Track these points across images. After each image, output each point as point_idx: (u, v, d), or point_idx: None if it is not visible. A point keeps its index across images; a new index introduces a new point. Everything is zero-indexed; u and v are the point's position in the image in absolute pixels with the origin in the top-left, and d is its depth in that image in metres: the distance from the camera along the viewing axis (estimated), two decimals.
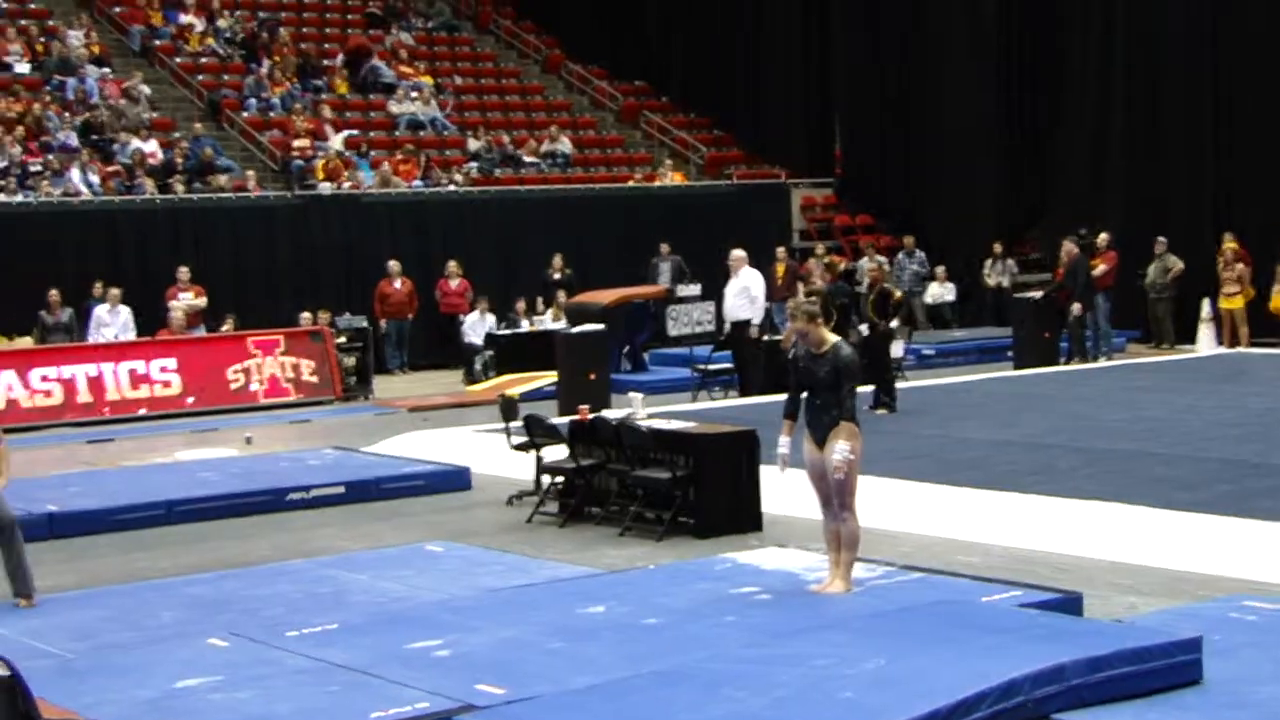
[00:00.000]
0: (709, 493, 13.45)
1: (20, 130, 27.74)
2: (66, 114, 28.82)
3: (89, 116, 28.83)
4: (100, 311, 24.32)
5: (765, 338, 22.72)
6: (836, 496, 10.56)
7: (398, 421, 21.27)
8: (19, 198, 26.09)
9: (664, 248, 27.33)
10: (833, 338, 10.63)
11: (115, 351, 23.27)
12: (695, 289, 25.22)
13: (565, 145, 32.62)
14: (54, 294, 24.20)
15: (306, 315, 25.23)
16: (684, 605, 10.43)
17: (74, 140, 28.03)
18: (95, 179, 27.04)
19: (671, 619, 10.11)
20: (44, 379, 22.43)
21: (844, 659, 8.63)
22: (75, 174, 26.92)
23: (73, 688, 8.87)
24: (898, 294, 20.79)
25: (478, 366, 25.59)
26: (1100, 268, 25.82)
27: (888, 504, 13.72)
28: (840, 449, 10.37)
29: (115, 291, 24.42)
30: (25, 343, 23.78)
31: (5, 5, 31.96)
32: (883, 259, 26.67)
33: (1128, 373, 23.37)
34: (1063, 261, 25.08)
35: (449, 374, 26.40)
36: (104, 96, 29.76)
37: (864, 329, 19.34)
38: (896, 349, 20.34)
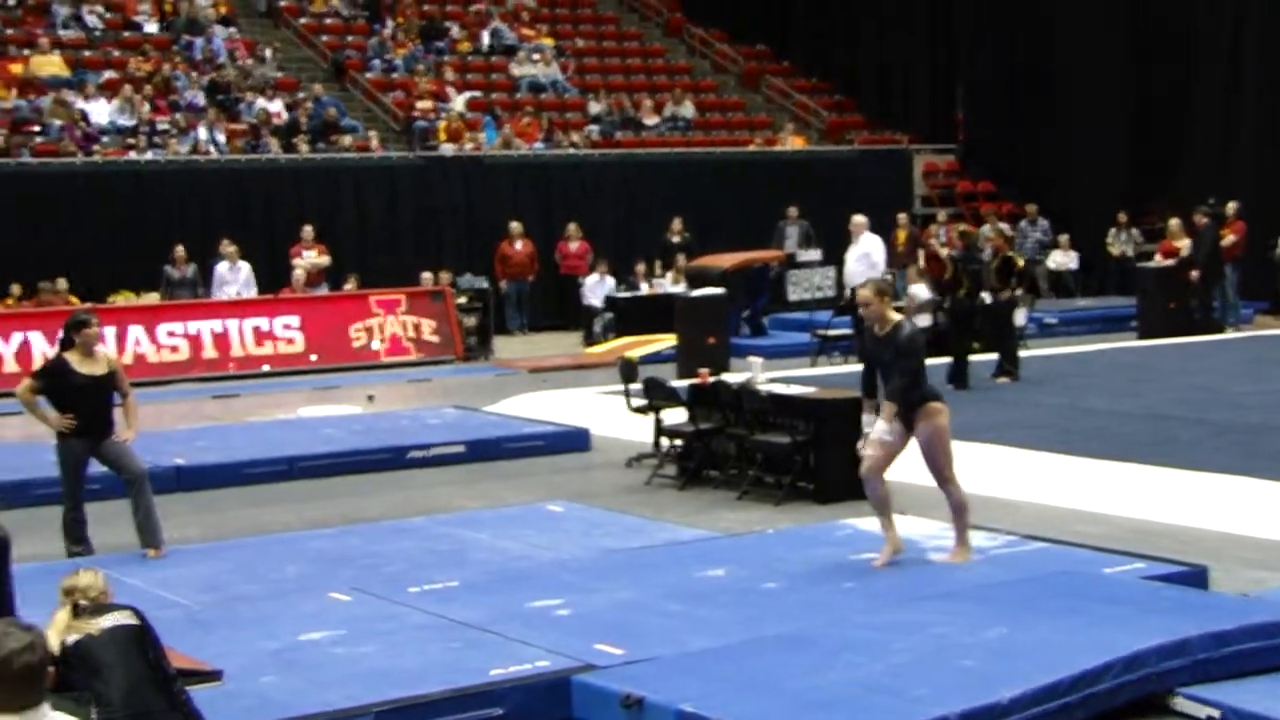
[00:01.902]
0: (828, 458, 13.41)
1: (149, 89, 28.09)
2: (194, 73, 29.14)
3: (216, 76, 29.14)
4: (221, 269, 24.62)
5: None
6: (932, 471, 10.50)
7: (517, 382, 21.39)
8: (148, 156, 26.45)
9: (792, 211, 27.24)
10: (896, 317, 10.47)
11: (240, 308, 23.61)
12: (816, 254, 25.13)
13: (686, 109, 32.57)
14: (179, 250, 24.53)
15: (428, 275, 25.40)
16: (803, 570, 10.43)
17: (201, 99, 28.36)
18: (222, 138, 27.35)
19: (790, 584, 10.12)
20: (171, 334, 22.78)
21: (964, 628, 8.60)
22: (202, 133, 27.24)
23: (200, 638, 9.00)
24: (1020, 261, 20.61)
25: (597, 329, 25.67)
26: (1229, 238, 25.45)
27: (1009, 473, 13.65)
28: (879, 429, 10.26)
29: (233, 249, 24.68)
30: (152, 299, 24.12)
31: None
32: (1005, 226, 26.43)
33: (1255, 344, 23.03)
34: (1172, 232, 24.84)
35: (568, 336, 26.50)
36: (231, 56, 30.07)
37: (987, 297, 19.20)
38: (1019, 317, 20.16)
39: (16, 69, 27.76)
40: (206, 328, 23.08)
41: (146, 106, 27.61)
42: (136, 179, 25.73)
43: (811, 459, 13.43)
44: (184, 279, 24.58)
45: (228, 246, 24.71)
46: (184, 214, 25.42)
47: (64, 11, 29.91)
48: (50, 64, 28.10)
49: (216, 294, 24.36)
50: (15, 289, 23.49)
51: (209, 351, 22.97)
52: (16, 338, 21.86)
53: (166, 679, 7.68)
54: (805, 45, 36.52)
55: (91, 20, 30.05)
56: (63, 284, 23.51)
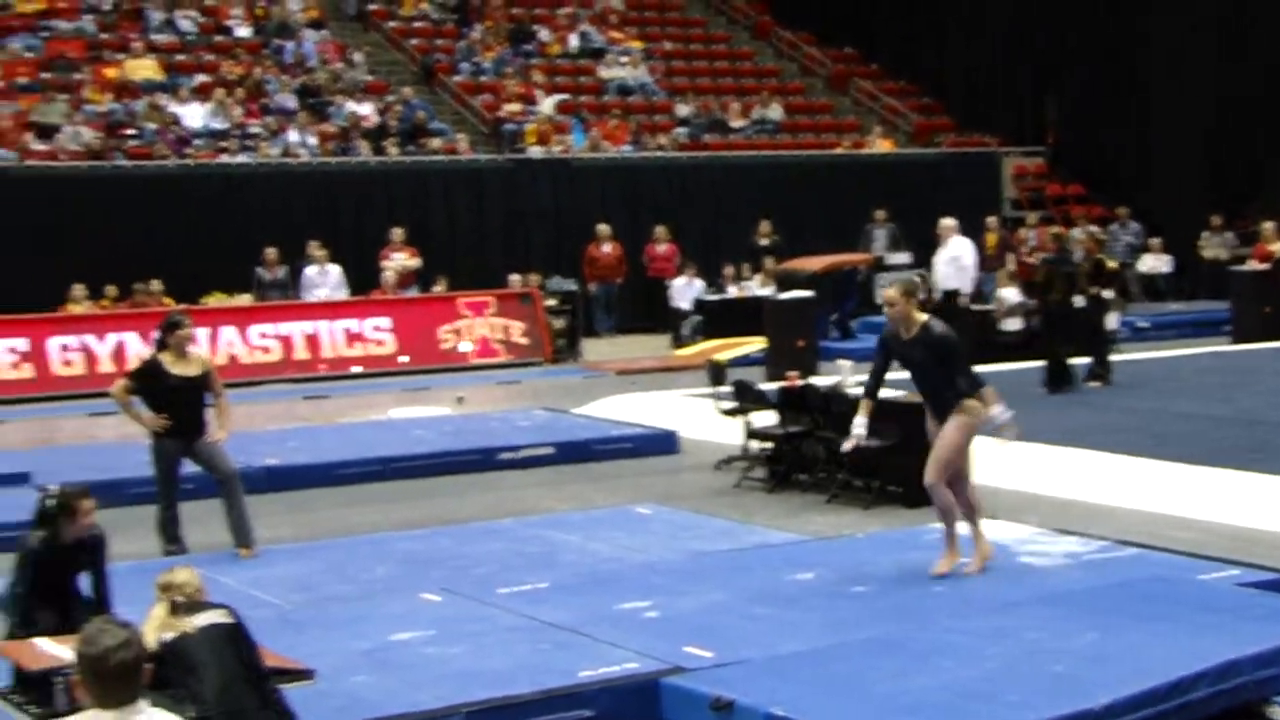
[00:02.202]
0: (918, 462, 13.32)
1: (241, 93, 28.34)
2: (285, 77, 29.36)
3: (306, 79, 29.35)
4: (310, 272, 24.82)
5: (975, 307, 22.48)
6: (934, 464, 10.25)
7: (606, 384, 21.42)
8: (239, 158, 26.68)
9: (879, 214, 27.14)
10: (921, 317, 10.28)
11: (331, 310, 23.82)
12: (905, 257, 25.02)
13: (774, 111, 32.50)
14: (270, 252, 24.73)
15: (516, 277, 25.49)
16: (892, 574, 10.38)
17: (292, 103, 28.57)
18: (312, 140, 27.55)
19: (879, 588, 10.08)
20: (263, 335, 22.98)
21: (1056, 633, 8.53)
22: (293, 135, 27.44)
23: (291, 637, 9.06)
24: (1111, 264, 20.43)
25: (685, 331, 25.66)
26: None
27: (1101, 478, 13.54)
28: (950, 423, 10.11)
29: (322, 252, 24.87)
30: (245, 300, 24.33)
31: None
32: (1096, 229, 26.24)
33: None
34: (1267, 235, 24.51)
35: (656, 338, 26.50)
36: (321, 60, 30.28)
37: (1079, 300, 19.04)
38: (1111, 321, 19.99)
39: (112, 73, 28.07)
40: (298, 329, 23.27)
41: (238, 110, 27.85)
42: (228, 181, 25.96)
43: (901, 462, 13.36)
44: (275, 281, 24.78)
45: (317, 250, 24.88)
46: (274, 216, 25.60)
47: (158, 16, 30.21)
48: (144, 68, 28.40)
49: (306, 296, 24.54)
50: (111, 290, 23.74)
51: (300, 353, 23.16)
52: (112, 338, 22.12)
53: (260, 677, 7.74)
54: (893, 47, 36.35)
55: (185, 25, 30.34)
56: (157, 285, 23.74)
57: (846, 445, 10.73)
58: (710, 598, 9.89)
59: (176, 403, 11.91)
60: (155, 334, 12.51)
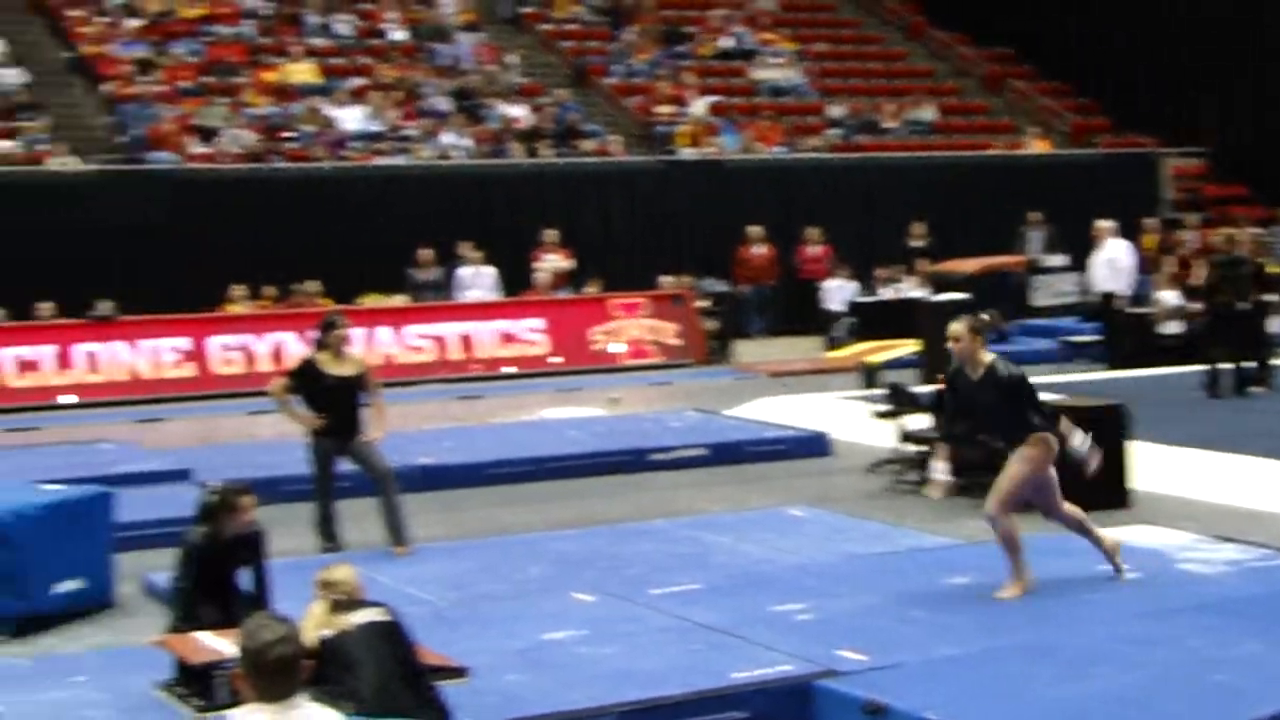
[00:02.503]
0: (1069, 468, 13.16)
1: (396, 95, 28.65)
2: (440, 79, 29.63)
3: (461, 82, 29.60)
4: (464, 273, 25.03)
5: (1133, 310, 22.17)
6: (997, 494, 10.00)
7: (758, 386, 21.39)
8: (394, 160, 26.98)
9: (1034, 216, 26.85)
10: (988, 357, 9.99)
11: (485, 311, 24.04)
12: (1061, 259, 24.73)
13: (927, 112, 32.28)
14: (424, 253, 24.96)
15: (668, 279, 25.52)
16: (1048, 579, 10.25)
17: (446, 105, 28.82)
18: (466, 143, 27.78)
19: (1035, 593, 9.96)
20: (418, 336, 23.22)
21: (1218, 642, 8.41)
22: (447, 138, 27.69)
23: (446, 635, 9.13)
24: (1273, 268, 20.06)
25: (838, 333, 25.54)
26: None
27: (1262, 483, 13.28)
28: (1015, 455, 9.84)
29: (476, 253, 25.08)
30: (400, 300, 24.58)
31: None
32: (1258, 230, 25.75)
33: None
34: None
35: (809, 340, 26.39)
36: (476, 62, 30.53)
37: (1244, 304, 18.69)
38: (1274, 324, 19.62)
39: (270, 77, 28.50)
40: (452, 329, 23.51)
41: (393, 112, 28.16)
42: (383, 183, 26.24)
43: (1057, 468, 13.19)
44: (429, 282, 25.01)
45: (471, 251, 25.09)
46: (428, 218, 25.81)
47: (315, 21, 30.62)
48: (302, 72, 28.81)
49: (459, 297, 24.75)
50: (269, 291, 24.09)
51: (454, 353, 23.39)
52: (271, 338, 22.47)
53: (416, 675, 7.83)
54: (1049, 47, 35.92)
55: (341, 29, 30.72)
56: (314, 286, 24.04)
57: (934, 493, 10.54)
58: (863, 600, 9.85)
59: (333, 402, 12.07)
60: (313, 334, 12.69)
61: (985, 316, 10.68)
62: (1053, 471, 10.03)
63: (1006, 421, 9.94)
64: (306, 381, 12.18)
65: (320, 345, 12.37)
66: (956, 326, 10.07)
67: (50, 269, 22.73)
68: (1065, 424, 10.10)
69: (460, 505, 14.25)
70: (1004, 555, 10.04)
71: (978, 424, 10.27)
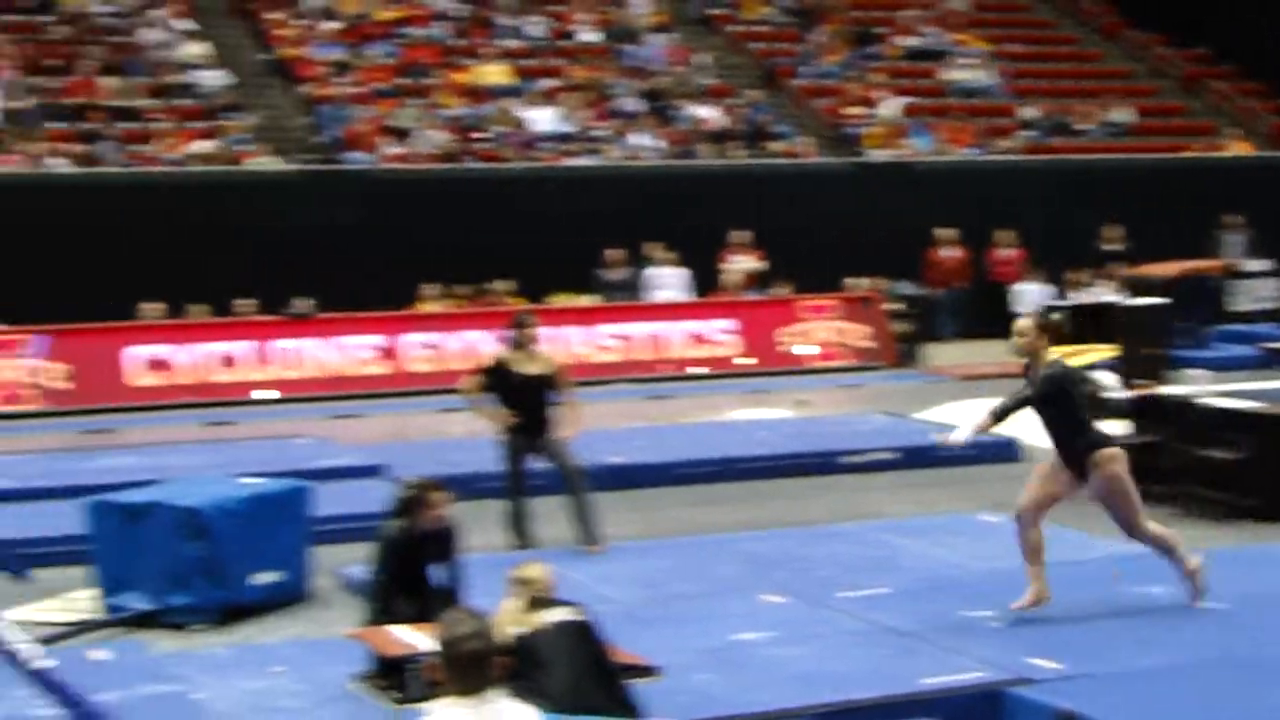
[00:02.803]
0: (1275, 474, 12.91)
1: (587, 96, 28.83)
2: (630, 80, 29.77)
3: (651, 83, 29.71)
4: (654, 273, 25.11)
5: None
6: (1118, 523, 9.85)
7: (947, 389, 21.20)
8: (584, 161, 27.15)
9: (1233, 220, 26.30)
10: (1051, 356, 9.75)
11: (675, 311, 24.13)
12: (1263, 264, 24.21)
13: (1123, 114, 31.76)
14: (613, 253, 25.09)
15: (858, 281, 25.40)
16: (1247, 591, 10.07)
17: (637, 106, 28.95)
18: (656, 143, 27.88)
19: (1232, 604, 9.79)
20: (607, 335, 23.35)
21: None
22: (636, 138, 27.82)
23: (637, 633, 9.18)
24: None
25: None
26: None
27: None
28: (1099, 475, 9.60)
29: (666, 254, 25.17)
30: (589, 300, 24.73)
31: None
32: None
33: None
34: None
35: (1000, 343, 26.01)
36: (666, 64, 30.63)
37: None
38: None
39: (463, 78, 28.83)
40: (642, 329, 23.61)
41: (584, 113, 28.34)
42: (573, 184, 26.41)
43: (1258, 476, 12.95)
44: (618, 281, 25.14)
45: (661, 251, 25.18)
46: (617, 218, 25.93)
47: (507, 23, 30.91)
48: (494, 73, 29.10)
49: (649, 297, 24.85)
50: (461, 289, 24.37)
51: (643, 353, 23.48)
52: (462, 336, 22.70)
53: (609, 675, 7.88)
54: (1248, 48, 35.15)
55: (533, 30, 30.97)
56: (505, 285, 24.27)
57: (945, 438, 10.30)
58: (1056, 608, 9.72)
59: (523, 400, 12.20)
60: (505, 333, 12.84)
61: (1056, 317, 10.46)
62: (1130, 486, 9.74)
63: (1061, 431, 9.68)
64: (497, 379, 12.32)
65: (511, 344, 12.52)
66: (1024, 322, 9.87)
67: (250, 267, 23.21)
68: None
69: (650, 504, 14.32)
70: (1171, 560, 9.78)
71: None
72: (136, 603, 10.89)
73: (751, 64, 32.10)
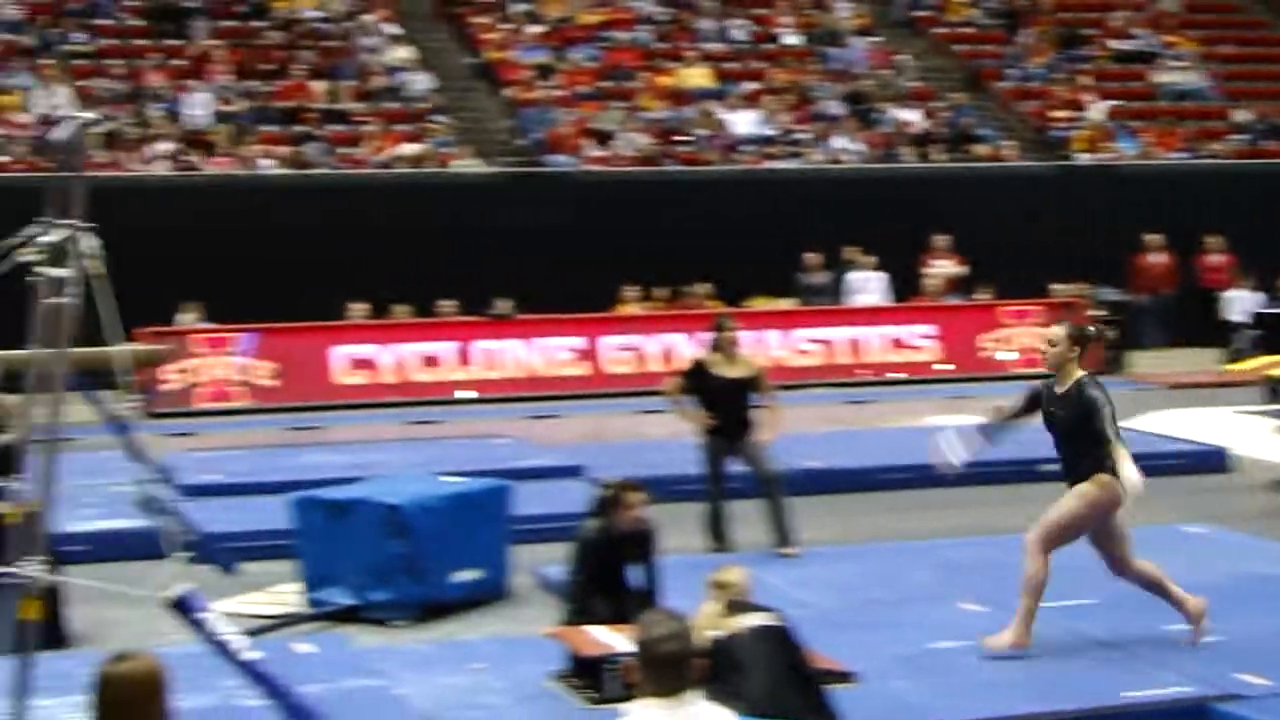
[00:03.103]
0: None
1: (789, 99, 28.79)
2: (832, 83, 29.67)
3: (854, 86, 29.59)
4: (855, 277, 25.00)
5: None
6: (1042, 528, 9.32)
7: (1154, 398, 20.82)
8: (786, 164, 27.13)
9: None
10: (1078, 373, 9.25)
11: (874, 315, 24.03)
12: None
13: None
14: (812, 257, 25.02)
15: (1062, 286, 25.05)
16: None
17: (839, 109, 28.84)
18: (858, 146, 27.76)
19: None
20: (806, 340, 23.31)
21: None
22: (838, 141, 27.72)
23: (832, 639, 9.15)
24: None
25: (1240, 345, 24.69)
26: None
27: None
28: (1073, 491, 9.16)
29: (869, 259, 25.05)
30: (788, 303, 24.69)
31: None
32: None
33: None
34: None
35: (1209, 351, 25.58)
36: (869, 66, 30.48)
37: None
38: None
39: (666, 81, 28.94)
40: (841, 334, 23.54)
41: (786, 116, 28.30)
42: (774, 186, 26.39)
43: None
44: (817, 285, 25.07)
45: (861, 255, 25.06)
46: (818, 221, 25.84)
47: (710, 26, 30.97)
48: (697, 76, 29.17)
49: (849, 301, 24.76)
50: (660, 292, 24.46)
51: (842, 357, 23.40)
52: (661, 339, 22.81)
53: (806, 680, 7.87)
54: None
55: (736, 34, 30.99)
56: (704, 288, 24.32)
57: (943, 457, 9.96)
58: (1265, 624, 9.53)
59: (722, 403, 12.25)
60: (706, 336, 12.91)
61: (1093, 330, 10.04)
62: (1121, 521, 9.31)
63: (1075, 449, 9.23)
64: (698, 382, 12.38)
65: (712, 347, 12.58)
66: (1056, 330, 9.47)
67: (452, 268, 23.50)
68: (1117, 450, 9.30)
69: (847, 510, 14.27)
70: (1019, 598, 9.25)
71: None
72: (339, 598, 11.09)
73: (955, 66, 31.81)
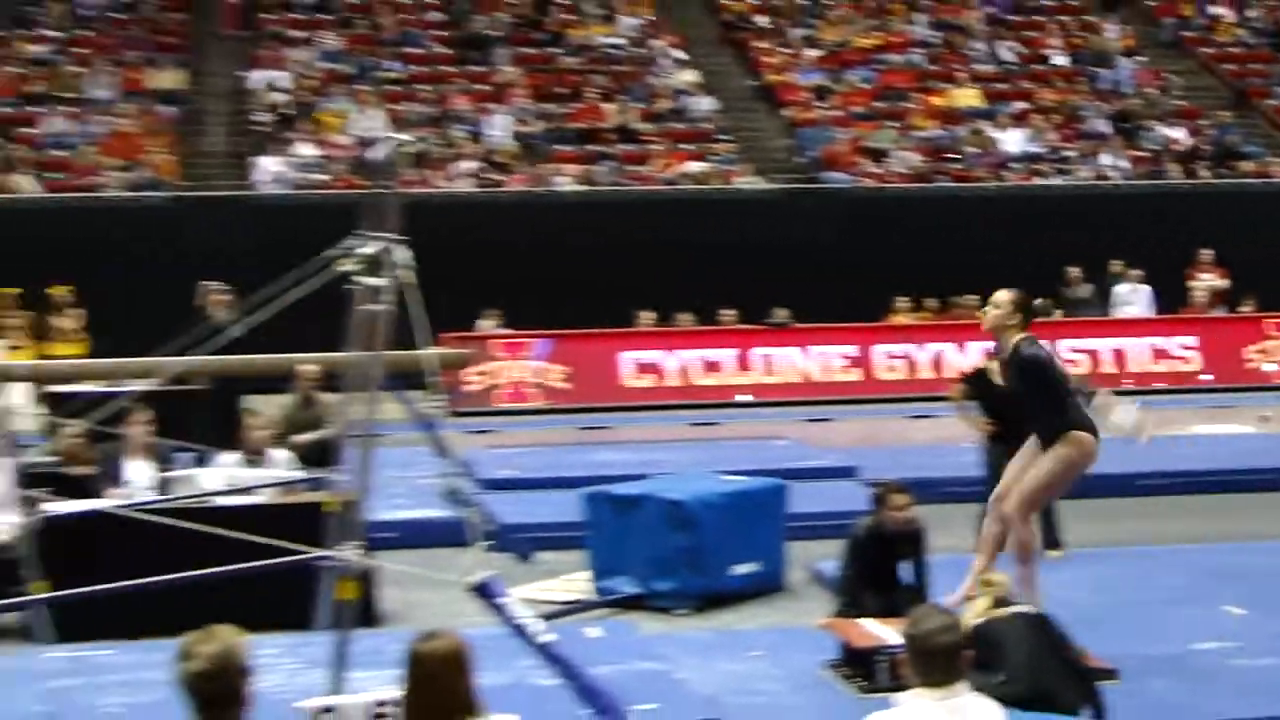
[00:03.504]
0: None
1: (1057, 118, 28.32)
2: (1099, 102, 29.10)
3: (1121, 105, 28.98)
4: (1120, 290, 24.49)
5: None
6: (1019, 497, 8.93)
7: None
8: (1052, 181, 26.70)
9: None
10: (1017, 336, 8.98)
11: (1138, 327, 23.56)
12: None
13: None
14: (1074, 271, 24.57)
15: None
16: None
17: (1105, 127, 28.27)
18: (1123, 163, 27.19)
19: None
20: (1070, 349, 22.87)
21: None
22: (1105, 158, 27.18)
23: (1094, 638, 8.96)
24: None
25: None
26: None
27: None
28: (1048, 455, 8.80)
29: (1135, 272, 24.51)
30: (1052, 314, 24.26)
31: (1047, 3, 32.62)
32: None
33: None
34: None
35: None
36: (1135, 86, 29.82)
37: None
38: None
39: (937, 101, 28.66)
40: (1105, 344, 23.09)
41: (1053, 134, 27.85)
42: (1040, 202, 25.96)
43: None
44: (1081, 298, 24.62)
45: (1127, 269, 24.54)
46: (1082, 236, 25.36)
47: (981, 48, 30.59)
48: (967, 96, 28.85)
49: (1115, 313, 24.26)
50: (930, 303, 24.25)
51: (1107, 366, 22.94)
52: (930, 347, 22.67)
53: (1067, 664, 7.77)
54: None
55: (1006, 55, 30.56)
56: (972, 299, 23.98)
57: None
58: None
59: (1002, 409, 12.14)
60: (989, 345, 12.80)
61: (1040, 301, 9.55)
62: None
63: (1031, 412, 8.95)
64: (979, 388, 12.31)
65: (994, 354, 12.50)
66: (1003, 295, 9.21)
67: (732, 278, 23.54)
68: (1104, 396, 8.79)
69: (1111, 514, 13.96)
70: (1014, 564, 8.95)
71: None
72: (626, 587, 11.22)
73: (1221, 85, 30.93)
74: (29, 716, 7.95)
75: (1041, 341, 9.41)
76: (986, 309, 9.46)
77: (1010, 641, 7.73)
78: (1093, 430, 9.09)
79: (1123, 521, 13.70)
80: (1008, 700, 7.48)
